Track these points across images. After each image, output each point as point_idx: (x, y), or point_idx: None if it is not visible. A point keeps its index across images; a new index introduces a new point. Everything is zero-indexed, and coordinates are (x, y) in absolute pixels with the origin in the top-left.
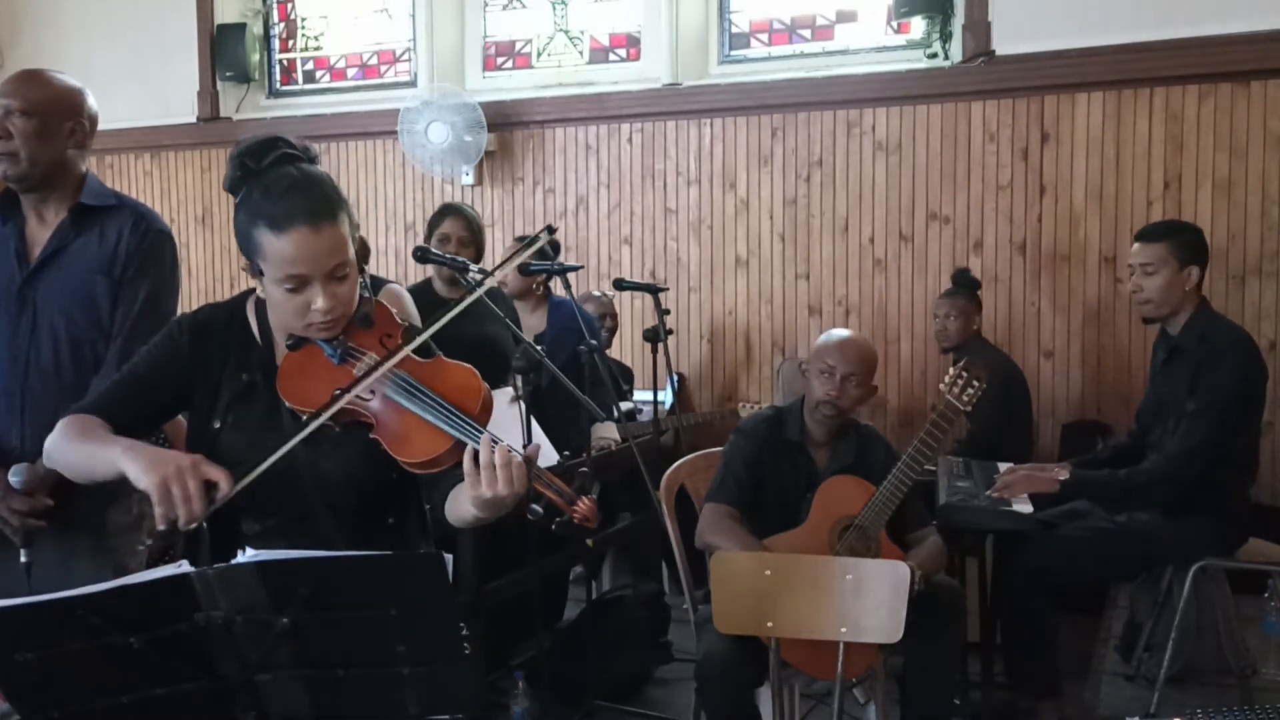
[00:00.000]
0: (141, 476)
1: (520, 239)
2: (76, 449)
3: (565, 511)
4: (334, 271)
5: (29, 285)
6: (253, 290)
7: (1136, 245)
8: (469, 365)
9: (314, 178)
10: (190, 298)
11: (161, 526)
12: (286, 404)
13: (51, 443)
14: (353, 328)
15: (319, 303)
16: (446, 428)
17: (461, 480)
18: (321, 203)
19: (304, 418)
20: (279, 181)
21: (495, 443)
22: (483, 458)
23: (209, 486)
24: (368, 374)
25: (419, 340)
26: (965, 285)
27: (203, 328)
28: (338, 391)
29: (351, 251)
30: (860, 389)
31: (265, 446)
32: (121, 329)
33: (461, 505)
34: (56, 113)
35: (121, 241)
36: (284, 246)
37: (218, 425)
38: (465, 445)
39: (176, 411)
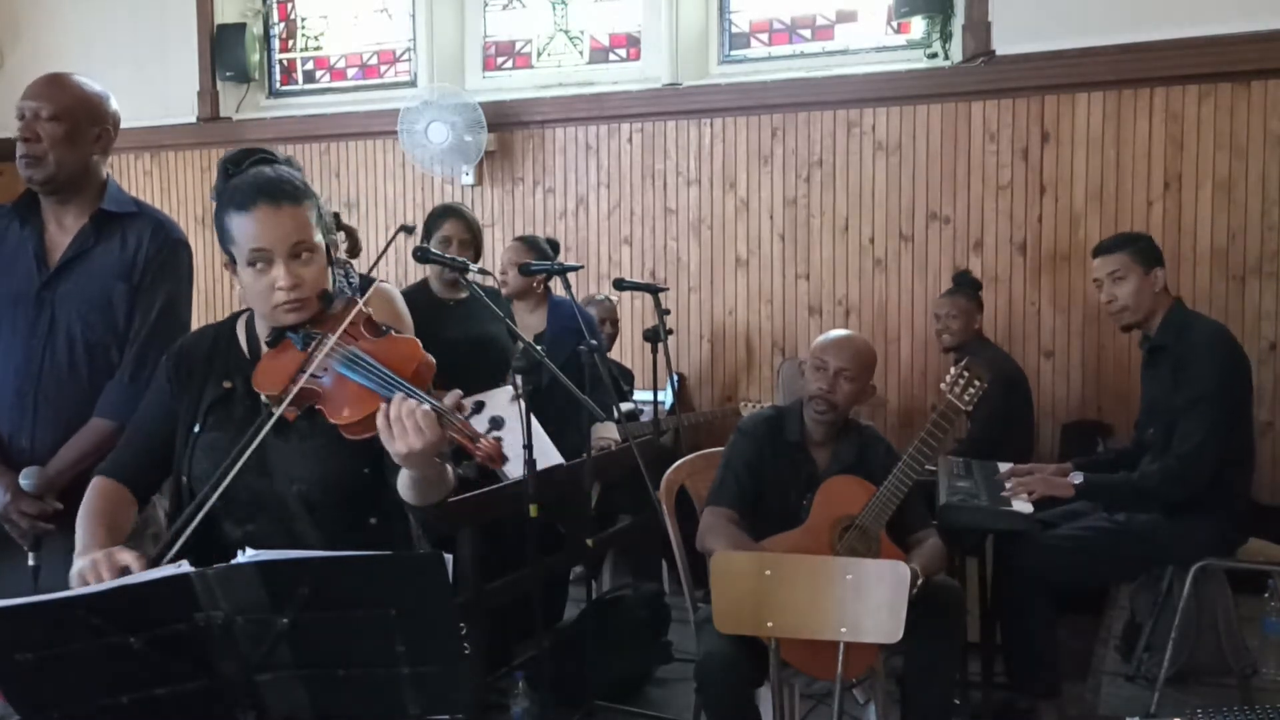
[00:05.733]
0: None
1: (521, 239)
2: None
3: (470, 453)
4: (295, 249)
5: (47, 289)
6: (245, 310)
7: (1097, 260)
8: (415, 339)
9: (283, 172)
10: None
11: None
12: (262, 397)
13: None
14: (322, 316)
15: (281, 279)
16: (378, 390)
17: None
18: (285, 187)
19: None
20: (250, 174)
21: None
22: (392, 412)
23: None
24: (317, 348)
25: (362, 300)
26: (966, 285)
27: (184, 351)
28: (297, 374)
29: (317, 237)
30: (853, 385)
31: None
32: (137, 337)
33: (401, 473)
34: (85, 117)
35: (141, 249)
36: (247, 223)
37: (197, 429)
38: None
39: None
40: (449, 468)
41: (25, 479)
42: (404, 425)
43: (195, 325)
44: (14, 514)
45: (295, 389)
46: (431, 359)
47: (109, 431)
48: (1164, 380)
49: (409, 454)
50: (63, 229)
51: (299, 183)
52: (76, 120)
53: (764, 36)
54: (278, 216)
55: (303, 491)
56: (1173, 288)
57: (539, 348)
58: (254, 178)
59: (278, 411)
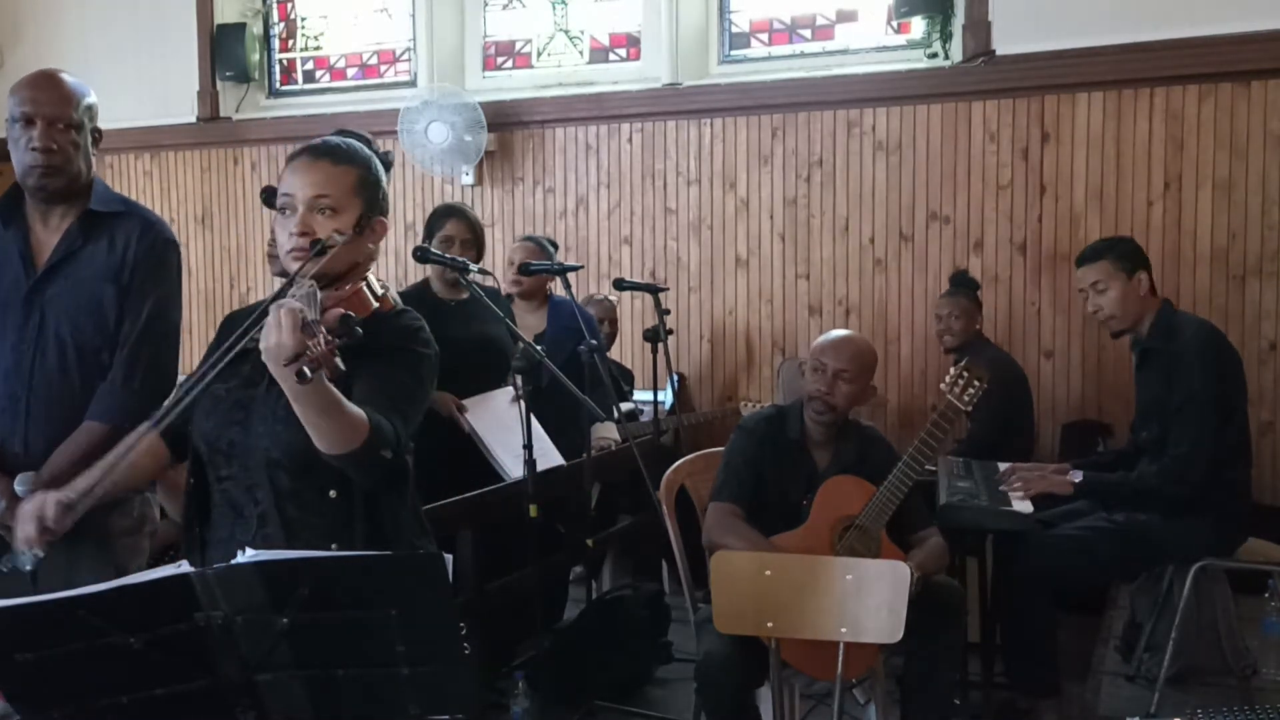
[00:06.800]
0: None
1: (532, 238)
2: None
3: (309, 355)
4: (317, 201)
5: (36, 291)
6: None
7: (1079, 270)
8: (366, 290)
9: (349, 139)
10: (189, 299)
11: None
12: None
13: None
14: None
15: (292, 225)
16: None
17: None
18: (337, 148)
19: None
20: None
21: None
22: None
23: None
24: (289, 284)
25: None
26: (965, 286)
27: (231, 316)
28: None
29: (348, 200)
30: (852, 386)
31: (237, 402)
32: (127, 340)
33: None
34: (89, 121)
35: (129, 249)
36: (286, 173)
37: (205, 382)
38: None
39: None
40: (349, 412)
41: (20, 484)
42: (272, 320)
43: (191, 326)
44: (11, 520)
45: (261, 324)
46: (368, 297)
47: (102, 434)
48: (1157, 382)
49: (266, 349)
50: (49, 229)
51: (355, 151)
52: (84, 128)
53: (764, 36)
54: (310, 169)
55: (266, 449)
56: (1173, 288)
57: (539, 348)
58: (316, 141)
59: (236, 349)
